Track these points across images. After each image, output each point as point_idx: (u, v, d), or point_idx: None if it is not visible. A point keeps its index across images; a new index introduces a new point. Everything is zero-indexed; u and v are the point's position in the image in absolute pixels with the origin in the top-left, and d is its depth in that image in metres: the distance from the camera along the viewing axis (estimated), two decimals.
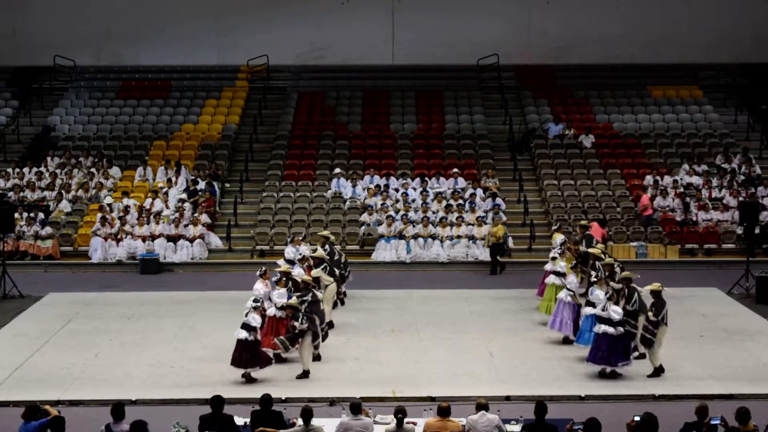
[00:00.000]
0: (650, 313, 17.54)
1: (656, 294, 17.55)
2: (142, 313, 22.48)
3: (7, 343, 20.02)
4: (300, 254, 21.60)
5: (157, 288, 25.23)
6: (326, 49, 37.66)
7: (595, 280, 18.95)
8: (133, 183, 31.22)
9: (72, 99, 36.10)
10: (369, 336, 20.33)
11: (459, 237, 27.96)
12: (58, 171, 31.30)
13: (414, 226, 28.29)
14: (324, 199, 30.50)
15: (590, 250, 20.62)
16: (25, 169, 31.41)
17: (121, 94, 36.33)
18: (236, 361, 17.19)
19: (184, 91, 36.61)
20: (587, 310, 18.38)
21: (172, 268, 27.70)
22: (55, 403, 15.55)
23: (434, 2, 36.89)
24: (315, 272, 20.18)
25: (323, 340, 18.47)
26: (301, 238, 22.83)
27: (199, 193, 29.92)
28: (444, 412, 13.10)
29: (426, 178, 30.69)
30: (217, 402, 13.40)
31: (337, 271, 21.60)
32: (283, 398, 16.04)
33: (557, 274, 20.60)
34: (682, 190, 30.12)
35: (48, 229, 28.12)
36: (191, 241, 28.03)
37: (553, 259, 20.89)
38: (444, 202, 29.36)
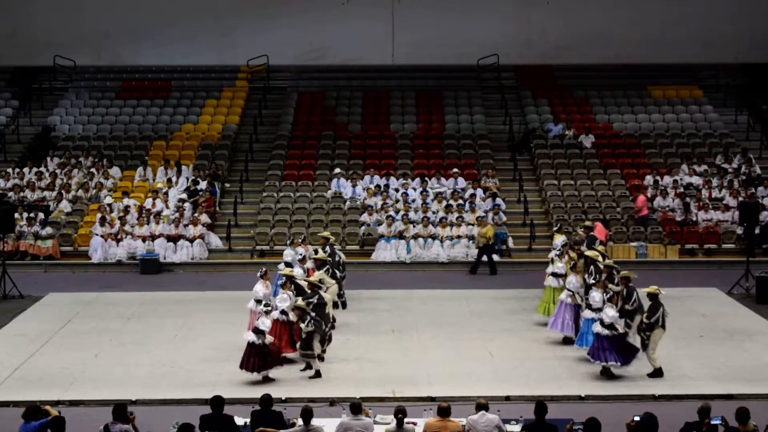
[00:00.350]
0: (643, 316, 17.55)
1: (653, 297, 17.54)
2: (142, 313, 22.48)
3: (7, 343, 20.02)
4: (301, 255, 21.60)
5: (157, 288, 25.23)
6: (326, 49, 37.67)
7: (593, 282, 18.97)
8: (133, 183, 31.23)
9: (72, 99, 36.11)
10: (369, 336, 20.32)
11: (459, 237, 27.97)
12: (58, 171, 31.31)
13: (414, 226, 28.29)
14: (324, 199, 30.50)
15: (587, 252, 20.63)
16: (25, 169, 31.41)
17: (121, 94, 36.33)
18: (243, 364, 17.19)
19: (184, 91, 36.61)
20: (587, 313, 18.42)
21: (172, 268, 27.70)
22: (55, 403, 15.57)
23: (434, 2, 36.88)
24: (317, 274, 20.17)
25: (328, 343, 18.55)
26: (301, 240, 22.86)
27: (199, 193, 29.93)
28: (444, 412, 13.10)
29: (426, 178, 30.69)
30: (217, 402, 13.40)
31: (338, 273, 21.60)
32: (283, 398, 16.05)
33: (555, 275, 20.60)
34: (682, 190, 30.13)
35: (48, 229, 28.12)
36: (191, 241, 28.03)
37: (552, 260, 20.89)
38: (444, 202, 29.36)
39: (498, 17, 37.08)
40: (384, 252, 27.95)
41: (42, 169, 31.44)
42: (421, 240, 28.06)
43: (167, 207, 29.37)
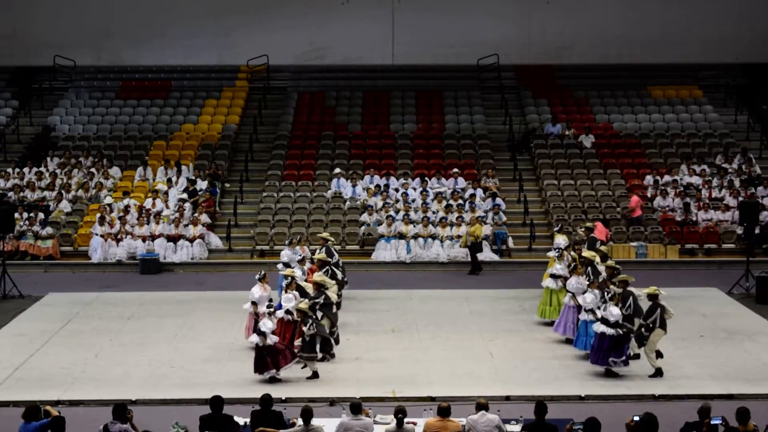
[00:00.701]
0: (642, 316, 17.55)
1: (652, 297, 17.54)
2: (142, 313, 22.48)
3: (7, 343, 20.02)
4: (300, 255, 21.61)
5: (157, 288, 25.23)
6: (326, 49, 37.66)
7: (588, 283, 19.01)
8: (133, 183, 31.23)
9: (72, 99, 36.10)
10: (369, 336, 20.32)
11: (459, 237, 27.95)
12: (58, 171, 31.31)
13: (414, 226, 28.29)
14: (324, 199, 30.50)
15: (584, 253, 20.68)
16: (25, 169, 31.41)
17: (121, 94, 36.33)
18: (255, 367, 17.21)
19: (184, 91, 36.61)
20: (583, 315, 18.46)
21: (172, 268, 27.70)
22: (55, 403, 15.58)
23: (434, 2, 36.88)
24: (317, 275, 20.19)
25: (336, 344, 18.63)
26: (297, 240, 22.87)
27: (199, 193, 29.93)
28: (444, 412, 13.10)
29: (426, 178, 30.69)
30: (216, 402, 13.40)
31: (339, 273, 21.59)
32: (283, 398, 16.05)
33: (554, 277, 20.59)
34: (682, 189, 30.13)
35: (48, 229, 28.12)
36: (191, 241, 28.03)
37: (552, 261, 20.89)
38: (444, 202, 29.36)
39: (498, 17, 37.06)
40: (384, 252, 27.95)
41: (42, 169, 31.44)
42: (421, 240, 28.06)
43: (167, 207, 29.37)
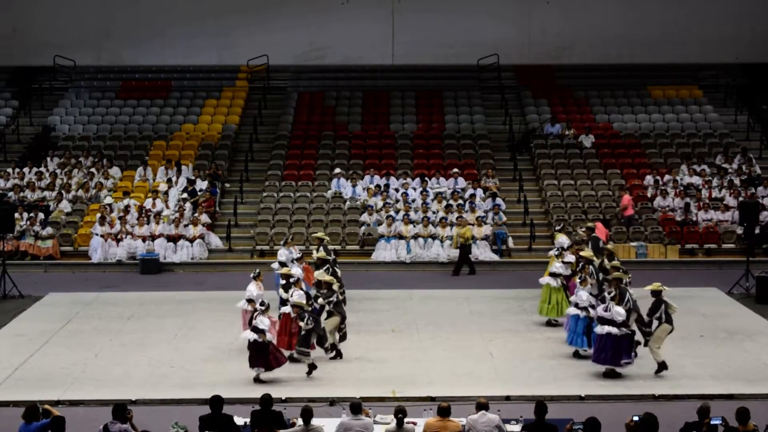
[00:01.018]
0: (646, 312, 17.56)
1: (656, 294, 17.57)
2: (142, 313, 22.48)
3: (7, 343, 20.02)
4: (299, 254, 21.62)
5: (157, 288, 25.24)
6: (326, 49, 37.67)
7: (580, 281, 19.02)
8: (133, 183, 31.23)
9: (72, 99, 36.10)
10: (369, 336, 20.32)
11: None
12: (58, 171, 31.31)
13: (414, 226, 28.30)
14: (324, 199, 30.50)
15: (582, 252, 20.71)
16: (25, 169, 31.41)
17: (121, 94, 36.33)
18: (250, 362, 17.23)
19: (184, 91, 36.61)
20: (571, 311, 18.55)
21: (172, 268, 27.70)
22: (55, 403, 15.59)
23: (434, 2, 36.88)
24: (317, 274, 20.21)
25: (343, 340, 18.77)
26: (290, 239, 22.90)
27: (199, 193, 29.93)
28: (444, 412, 13.09)
29: (426, 178, 30.69)
30: (216, 402, 13.39)
31: (338, 272, 21.60)
32: (283, 398, 16.05)
33: (553, 275, 20.59)
34: (682, 189, 30.13)
35: (48, 229, 28.12)
36: (191, 241, 28.03)
37: (552, 259, 20.90)
38: (444, 202, 29.36)
39: (498, 17, 37.07)
40: (384, 252, 27.96)
41: (42, 169, 31.44)
42: (421, 240, 28.06)
43: (167, 207, 29.37)
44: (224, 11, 37.27)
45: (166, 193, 30.02)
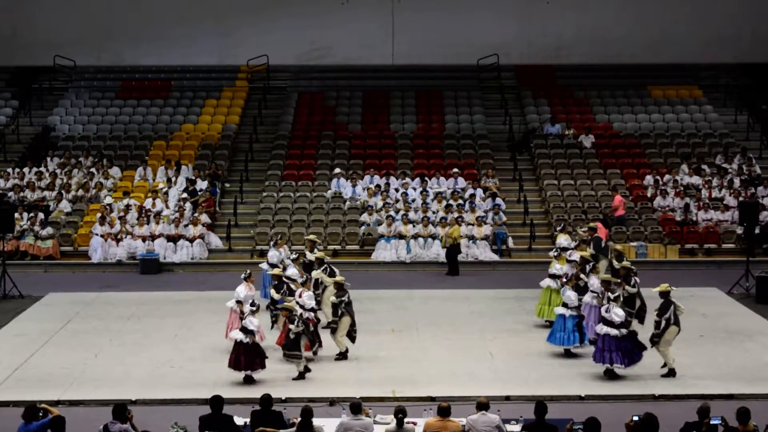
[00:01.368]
0: (654, 314, 17.57)
1: (664, 295, 17.58)
2: (142, 313, 22.48)
3: (7, 343, 20.02)
4: (295, 254, 21.61)
5: (157, 288, 25.24)
6: (326, 49, 37.68)
7: (565, 280, 19.05)
8: (133, 183, 31.23)
9: (72, 99, 36.10)
10: (369, 336, 20.30)
11: (459, 237, 27.93)
12: (58, 171, 31.31)
13: (414, 226, 28.30)
14: (324, 199, 30.50)
15: (580, 252, 20.70)
16: (25, 169, 31.41)
17: (121, 94, 36.33)
18: (233, 364, 17.20)
19: (184, 91, 36.61)
20: (559, 310, 18.63)
21: (172, 268, 27.71)
22: (55, 403, 15.57)
23: (434, 2, 36.87)
24: (316, 273, 20.22)
25: (353, 342, 18.79)
26: (279, 238, 22.89)
27: (199, 193, 29.93)
28: (444, 412, 13.09)
29: (426, 178, 30.69)
30: (216, 402, 13.40)
31: (337, 272, 21.58)
32: (283, 398, 16.05)
33: (553, 276, 20.59)
34: (681, 189, 30.13)
35: (48, 229, 28.12)
36: (191, 241, 28.03)
37: (553, 259, 20.90)
38: (444, 202, 29.36)
39: (498, 17, 37.06)
40: (384, 252, 27.96)
41: (42, 169, 31.44)
42: (421, 240, 28.06)
43: (167, 207, 29.37)
44: (224, 11, 37.28)
45: (166, 193, 30.02)
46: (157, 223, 28.43)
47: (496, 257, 27.98)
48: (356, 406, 13.27)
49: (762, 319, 21.71)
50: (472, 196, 29.82)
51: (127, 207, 28.96)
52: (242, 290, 18.76)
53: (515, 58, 37.22)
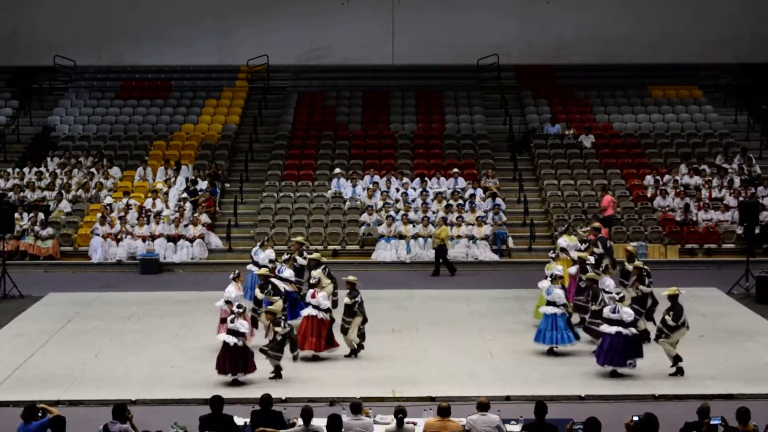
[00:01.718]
0: (668, 317, 17.50)
1: (673, 298, 17.57)
2: (142, 313, 22.48)
3: (7, 343, 20.02)
4: (287, 256, 21.62)
5: (157, 288, 25.24)
6: (326, 49, 37.67)
7: (551, 280, 19.09)
8: (133, 183, 31.22)
9: (72, 99, 36.10)
10: (369, 336, 20.24)
11: (459, 237, 27.95)
12: (58, 171, 31.31)
13: (414, 226, 28.29)
14: (324, 199, 30.50)
15: (579, 253, 20.65)
16: (25, 169, 31.41)
17: (121, 94, 36.32)
18: (219, 366, 17.17)
19: (184, 91, 36.61)
20: (547, 309, 18.65)
21: (172, 268, 27.71)
22: (55, 403, 15.56)
23: (434, 2, 36.86)
24: (315, 273, 20.21)
25: (362, 340, 18.86)
26: (266, 240, 22.92)
27: (199, 193, 29.93)
28: (444, 412, 13.09)
29: (426, 178, 30.69)
30: (216, 402, 13.40)
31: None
32: (283, 398, 16.05)
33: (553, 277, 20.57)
34: (681, 189, 30.13)
35: (48, 230, 28.12)
36: (191, 241, 28.03)
37: (547, 263, 20.93)
38: (444, 202, 29.36)
39: (498, 17, 37.05)
40: (384, 252, 27.95)
41: (42, 169, 31.44)
42: (421, 240, 28.05)
43: (167, 207, 29.37)
44: (224, 11, 37.26)
45: (166, 193, 30.02)
46: (157, 223, 28.43)
47: (496, 257, 27.98)
48: (356, 406, 13.27)
49: (762, 319, 21.71)
50: (472, 196, 29.82)
51: (127, 207, 28.97)
52: (232, 290, 18.75)
53: (515, 58, 37.21)
